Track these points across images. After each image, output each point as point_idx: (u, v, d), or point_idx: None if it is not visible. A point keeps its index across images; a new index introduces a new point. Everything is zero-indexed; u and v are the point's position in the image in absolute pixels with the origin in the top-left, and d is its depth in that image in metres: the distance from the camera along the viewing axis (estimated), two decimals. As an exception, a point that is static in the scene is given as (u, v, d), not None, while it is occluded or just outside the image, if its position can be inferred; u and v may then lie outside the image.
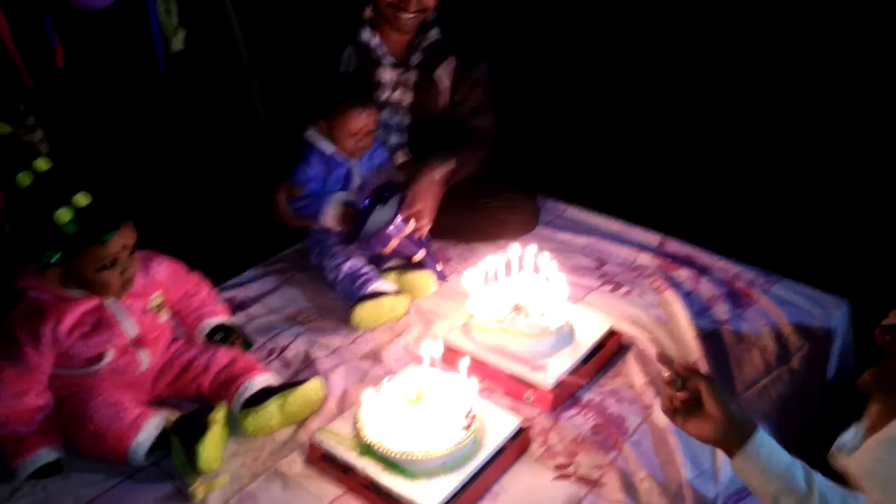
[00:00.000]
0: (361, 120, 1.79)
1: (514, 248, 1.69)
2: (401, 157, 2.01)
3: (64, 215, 1.25)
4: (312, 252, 1.92)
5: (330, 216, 1.79)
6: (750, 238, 2.13)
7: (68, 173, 1.30)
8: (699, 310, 1.77)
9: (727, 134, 2.59)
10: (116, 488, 1.33)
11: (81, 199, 1.27)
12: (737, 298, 1.82)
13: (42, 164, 1.28)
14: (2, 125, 1.58)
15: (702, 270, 1.91)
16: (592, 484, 1.30)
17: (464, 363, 1.36)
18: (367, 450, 1.30)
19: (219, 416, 1.39)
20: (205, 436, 1.34)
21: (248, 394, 1.44)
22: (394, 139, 2.02)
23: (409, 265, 1.85)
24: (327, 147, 1.83)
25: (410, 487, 1.24)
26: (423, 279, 1.83)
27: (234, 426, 1.43)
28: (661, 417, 1.44)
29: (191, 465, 1.32)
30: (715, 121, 2.60)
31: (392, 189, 1.77)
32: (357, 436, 1.32)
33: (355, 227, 1.74)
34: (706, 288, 1.85)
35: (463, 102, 2.02)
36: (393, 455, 1.26)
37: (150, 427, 1.37)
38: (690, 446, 1.38)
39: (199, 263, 1.63)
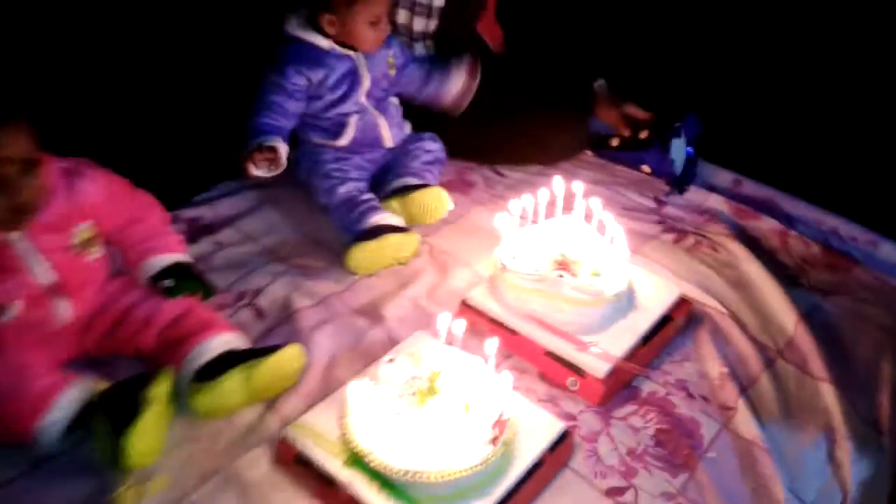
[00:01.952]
0: None
1: (558, 182, 1.29)
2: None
3: None
4: (302, 164, 1.51)
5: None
6: (843, 187, 1.70)
7: None
8: (790, 273, 1.39)
9: (814, 56, 2.11)
10: (13, 484, 0.99)
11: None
12: (835, 259, 1.43)
13: None
14: None
15: (788, 221, 1.52)
16: (657, 522, 0.97)
17: (492, 345, 0.99)
18: (356, 460, 0.95)
19: (159, 391, 1.03)
20: (138, 419, 0.99)
21: (201, 360, 1.08)
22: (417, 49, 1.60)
23: (410, 186, 1.46)
24: (321, 41, 1.39)
25: (414, 519, 0.90)
26: (434, 197, 1.44)
27: (182, 403, 1.08)
28: (747, 424, 1.09)
29: (118, 458, 0.98)
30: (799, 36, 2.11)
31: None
32: (344, 439, 0.97)
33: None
34: (797, 244, 1.46)
35: None
36: (392, 473, 0.91)
37: (67, 400, 1.02)
38: (790, 465, 1.04)
39: (154, 179, 1.23)
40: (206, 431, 1.06)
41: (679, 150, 1.58)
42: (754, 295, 1.33)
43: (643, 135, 1.64)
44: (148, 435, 1.00)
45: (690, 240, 1.46)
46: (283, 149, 1.37)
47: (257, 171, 1.33)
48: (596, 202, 1.25)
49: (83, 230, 1.07)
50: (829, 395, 1.16)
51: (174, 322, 1.12)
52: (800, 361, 1.21)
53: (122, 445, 0.97)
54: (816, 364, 1.21)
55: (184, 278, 1.16)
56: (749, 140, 1.74)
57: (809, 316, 1.29)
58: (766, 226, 1.51)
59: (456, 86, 1.54)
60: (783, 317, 1.29)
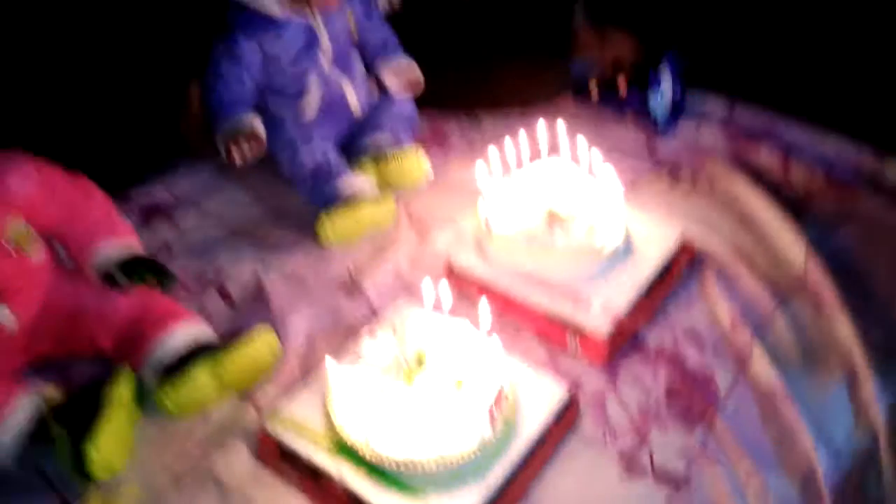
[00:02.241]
0: None
1: (541, 125, 1.18)
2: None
3: None
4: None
5: None
6: (845, 107, 1.59)
7: None
8: (795, 205, 1.29)
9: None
10: (-33, 508, 0.90)
11: None
12: (841, 186, 1.34)
13: None
14: None
15: (789, 150, 1.42)
16: (676, 484, 0.88)
17: (484, 310, 0.90)
18: (343, 448, 0.86)
19: (119, 392, 0.94)
20: (98, 424, 0.89)
21: (166, 355, 0.98)
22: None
23: (387, 150, 1.34)
24: (272, 5, 1.26)
25: (411, 509, 0.81)
26: (413, 163, 1.33)
27: (149, 403, 0.98)
28: (765, 371, 1.00)
29: (81, 469, 0.89)
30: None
31: None
32: (328, 427, 0.88)
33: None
34: (800, 174, 1.36)
35: None
36: (385, 463, 0.82)
37: (18, 413, 0.92)
38: (814, 411, 0.95)
39: (99, 161, 1.12)
40: (177, 431, 0.97)
41: (660, 97, 1.47)
42: (759, 231, 1.24)
43: (622, 84, 1.53)
44: (111, 440, 0.90)
45: (686, 177, 1.36)
46: (261, 129, 1.27)
47: (241, 160, 1.24)
48: (582, 141, 1.15)
49: (15, 228, 0.96)
50: (844, 329, 1.08)
51: (132, 318, 1.02)
52: (813, 298, 1.13)
53: (84, 454, 0.88)
54: (830, 298, 1.12)
55: (137, 269, 1.05)
56: (741, 61, 1.62)
57: (819, 248, 1.20)
58: (765, 156, 1.41)
59: (392, 83, 1.41)
60: (792, 252, 1.19)
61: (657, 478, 0.89)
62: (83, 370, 1.05)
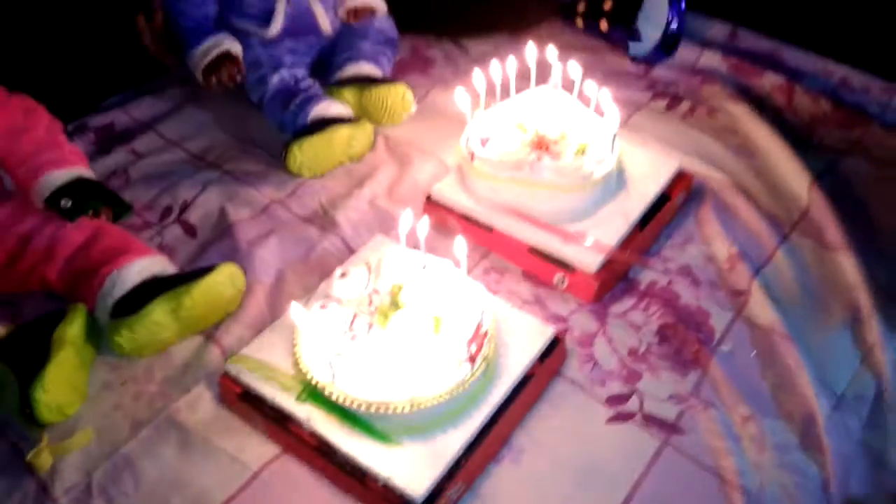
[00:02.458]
0: None
1: (530, 49, 1.09)
2: None
3: None
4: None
5: None
6: (852, 31, 1.49)
7: None
8: (799, 134, 1.22)
9: None
10: None
11: None
12: (848, 114, 1.26)
13: None
14: None
15: (793, 76, 1.33)
16: (668, 430, 0.83)
17: (460, 247, 0.82)
18: (312, 392, 0.80)
19: (70, 331, 0.86)
20: (47, 365, 0.82)
21: (119, 291, 0.91)
22: None
23: (369, 79, 1.24)
24: None
25: (385, 457, 0.75)
26: (397, 96, 1.23)
27: (106, 343, 0.91)
28: (763, 309, 0.94)
29: (29, 413, 0.82)
30: None
31: None
32: (296, 369, 0.82)
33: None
34: (804, 101, 1.28)
35: None
36: (355, 406, 0.76)
37: (-40, 353, 0.85)
38: (816, 353, 0.90)
39: (52, 85, 1.02)
40: (135, 373, 0.90)
41: (651, 22, 1.35)
42: (761, 162, 1.16)
43: (607, 5, 1.41)
44: (61, 383, 0.84)
45: (685, 104, 1.27)
46: (239, 50, 1.19)
47: (222, 87, 1.19)
48: (575, 66, 1.05)
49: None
50: (849, 267, 1.01)
51: (80, 250, 0.94)
52: (816, 233, 1.06)
53: (31, 397, 0.81)
54: (834, 234, 1.06)
55: (86, 196, 0.96)
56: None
57: (823, 180, 1.13)
58: (768, 82, 1.32)
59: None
60: (795, 184, 1.12)
61: (647, 424, 0.83)
62: (35, 308, 0.97)
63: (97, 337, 0.92)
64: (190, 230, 1.08)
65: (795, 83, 1.31)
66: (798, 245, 1.04)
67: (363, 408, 0.75)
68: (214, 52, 1.17)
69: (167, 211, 1.10)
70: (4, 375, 0.84)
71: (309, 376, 0.79)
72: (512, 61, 1.07)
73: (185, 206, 1.11)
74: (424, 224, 0.84)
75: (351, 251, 1.03)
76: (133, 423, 0.85)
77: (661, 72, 1.36)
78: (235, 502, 0.78)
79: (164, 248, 1.04)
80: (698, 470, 0.79)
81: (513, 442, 0.82)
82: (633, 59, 1.37)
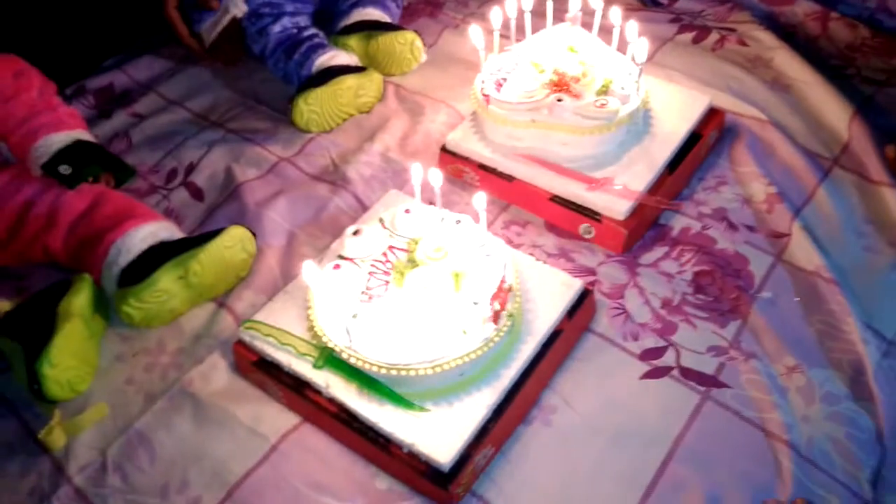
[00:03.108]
0: None
1: (548, -17, 1.01)
2: None
3: None
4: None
5: None
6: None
7: None
8: (836, 63, 1.14)
9: None
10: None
11: None
12: (888, 40, 1.17)
13: None
14: None
15: (827, 1, 1.24)
16: (707, 383, 0.78)
17: (480, 200, 0.76)
18: (329, 357, 0.76)
19: (76, 302, 0.83)
20: (53, 339, 0.79)
21: (125, 259, 0.87)
22: None
23: (376, 26, 1.17)
24: None
25: (409, 423, 0.72)
26: (406, 44, 1.16)
27: (115, 314, 0.88)
28: (806, 252, 0.88)
29: (38, 388, 0.79)
30: None
31: None
32: (312, 334, 0.78)
33: None
34: (840, 28, 1.19)
35: None
36: (375, 371, 0.72)
37: (-35, 328, 0.82)
38: (863, 296, 0.84)
39: (49, 48, 0.97)
40: (146, 344, 0.87)
41: None
42: (797, 95, 1.08)
43: None
44: (69, 356, 0.80)
45: (714, 36, 1.19)
46: (242, 8, 1.17)
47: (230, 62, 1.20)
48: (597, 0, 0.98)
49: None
50: (892, 200, 0.95)
51: (82, 217, 0.90)
52: (859, 168, 0.99)
53: (38, 372, 0.78)
54: (877, 169, 0.99)
55: (87, 161, 0.92)
56: None
57: (863, 112, 1.05)
58: (801, 9, 1.23)
59: None
60: (834, 117, 1.05)
61: (685, 378, 0.79)
62: (42, 281, 0.93)
63: (106, 308, 0.89)
64: (196, 193, 1.03)
65: (830, 9, 1.22)
66: (840, 182, 0.97)
67: (383, 372, 0.71)
68: (224, 22, 1.15)
69: (172, 174, 1.06)
70: (13, 351, 0.81)
71: (325, 340, 0.74)
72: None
73: (190, 169, 1.06)
74: (438, 176, 0.79)
75: (364, 208, 0.98)
76: (146, 396, 0.82)
77: (685, 3, 1.27)
78: (255, 474, 0.74)
79: (170, 213, 1.00)
80: (742, 424, 0.74)
81: (542, 402, 0.78)
82: (644, 1, 1.29)
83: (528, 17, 1.00)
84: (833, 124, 1.04)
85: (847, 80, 1.12)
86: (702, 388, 0.77)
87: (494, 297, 0.73)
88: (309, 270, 0.74)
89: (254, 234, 0.91)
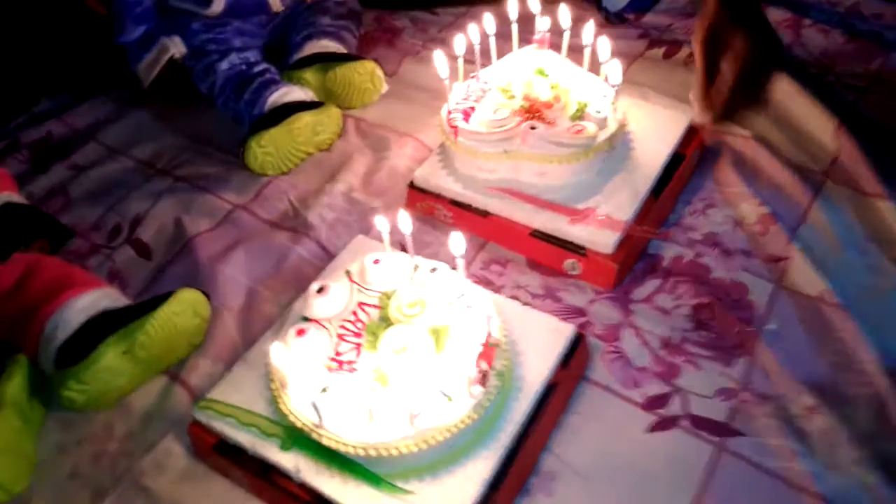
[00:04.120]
0: None
1: (512, 4, 0.95)
2: None
3: None
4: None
5: None
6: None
7: None
8: (813, 71, 1.09)
9: None
10: None
11: None
12: (863, 45, 1.13)
13: None
14: None
15: (799, 8, 1.20)
16: (720, 432, 0.71)
17: (457, 243, 0.69)
18: (297, 437, 0.67)
19: (9, 390, 0.73)
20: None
21: (62, 335, 0.77)
22: None
23: (332, 57, 1.10)
24: None
25: (391, 506, 0.63)
26: (365, 74, 1.09)
27: (52, 396, 0.78)
28: (808, 276, 0.82)
29: (-30, 493, 0.69)
30: None
31: None
32: (277, 413, 0.69)
33: None
34: (814, 35, 1.15)
35: None
36: (351, 451, 0.63)
37: None
38: (873, 319, 0.77)
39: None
40: (91, 430, 0.77)
41: None
42: (778, 106, 1.03)
43: None
44: (1, 454, 0.70)
45: (685, 50, 1.14)
46: (181, 49, 1.08)
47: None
48: (565, 13, 0.92)
49: None
50: (890, 213, 0.89)
51: (15, 290, 0.80)
52: (851, 179, 0.94)
53: (-33, 478, 0.68)
54: (868, 178, 0.93)
55: (16, 226, 0.82)
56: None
57: (847, 121, 1.00)
58: (772, 17, 1.17)
59: None
60: (819, 127, 0.99)
61: (697, 428, 0.71)
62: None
63: (47, 390, 0.79)
64: (143, 250, 0.94)
65: (802, 16, 1.18)
66: (834, 197, 0.91)
67: (360, 452, 0.63)
68: (162, 62, 1.06)
69: (116, 230, 0.97)
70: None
71: (292, 419, 0.66)
72: (490, 20, 0.94)
73: (135, 223, 0.97)
74: (407, 221, 0.71)
75: (330, 256, 0.90)
76: (94, 492, 0.72)
77: (652, 16, 1.22)
78: (222, 577, 0.65)
79: (115, 275, 0.91)
80: (763, 477, 0.67)
81: (542, 467, 0.70)
82: (607, 17, 1.24)
83: (492, 41, 0.94)
84: (818, 135, 0.99)
85: (828, 87, 1.07)
86: (715, 439, 0.70)
87: (480, 355, 0.65)
88: (278, 354, 0.65)
89: (207, 296, 0.82)
